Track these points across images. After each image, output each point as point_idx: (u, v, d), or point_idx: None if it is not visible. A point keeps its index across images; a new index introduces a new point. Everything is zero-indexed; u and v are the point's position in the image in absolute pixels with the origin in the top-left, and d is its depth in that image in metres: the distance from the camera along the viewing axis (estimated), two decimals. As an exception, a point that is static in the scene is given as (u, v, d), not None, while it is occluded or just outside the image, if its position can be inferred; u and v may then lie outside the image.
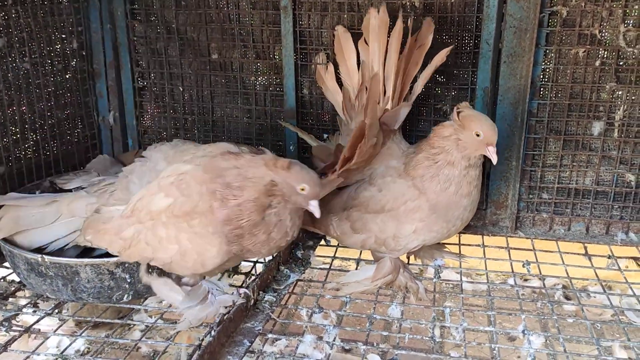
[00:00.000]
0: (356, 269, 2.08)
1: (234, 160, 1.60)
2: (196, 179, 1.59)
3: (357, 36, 2.03)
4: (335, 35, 2.05)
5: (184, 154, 1.82)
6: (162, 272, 1.75)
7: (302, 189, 1.55)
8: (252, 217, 1.55)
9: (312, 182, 1.57)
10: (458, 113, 1.79)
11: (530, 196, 2.23)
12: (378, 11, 1.92)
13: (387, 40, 1.92)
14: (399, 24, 1.91)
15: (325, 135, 2.32)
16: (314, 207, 1.59)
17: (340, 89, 2.09)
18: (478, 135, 1.75)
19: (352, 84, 2.02)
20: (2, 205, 1.88)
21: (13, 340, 1.65)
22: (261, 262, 2.01)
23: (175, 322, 1.73)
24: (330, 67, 2.10)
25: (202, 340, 1.55)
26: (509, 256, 2.14)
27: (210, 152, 1.74)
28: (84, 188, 1.96)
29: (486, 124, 1.77)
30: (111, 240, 1.70)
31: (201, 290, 1.74)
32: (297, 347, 1.70)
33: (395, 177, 1.88)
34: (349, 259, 2.18)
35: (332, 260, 2.15)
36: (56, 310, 1.81)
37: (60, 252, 1.84)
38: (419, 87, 2.00)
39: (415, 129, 2.25)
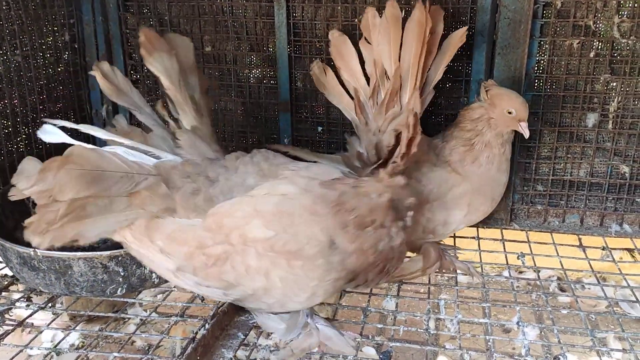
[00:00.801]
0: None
1: (356, 182, 1.49)
2: (304, 212, 1.43)
3: (353, 31, 2.01)
4: (331, 40, 1.93)
5: (279, 168, 1.58)
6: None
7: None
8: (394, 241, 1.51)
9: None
10: (487, 91, 1.81)
11: (525, 188, 2.23)
12: (377, 9, 1.83)
13: (402, 33, 1.81)
14: (419, 13, 1.75)
15: (319, 128, 2.31)
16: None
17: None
18: (510, 112, 1.80)
19: (359, 85, 1.90)
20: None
21: (6, 334, 1.64)
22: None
23: (170, 316, 1.72)
24: (330, 71, 1.97)
25: (196, 333, 1.55)
26: (504, 248, 2.15)
27: (316, 174, 1.51)
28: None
29: (517, 101, 1.81)
30: (191, 253, 1.48)
31: (300, 317, 1.66)
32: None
33: (431, 166, 1.87)
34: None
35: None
36: (50, 304, 1.81)
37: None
38: (439, 74, 1.90)
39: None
